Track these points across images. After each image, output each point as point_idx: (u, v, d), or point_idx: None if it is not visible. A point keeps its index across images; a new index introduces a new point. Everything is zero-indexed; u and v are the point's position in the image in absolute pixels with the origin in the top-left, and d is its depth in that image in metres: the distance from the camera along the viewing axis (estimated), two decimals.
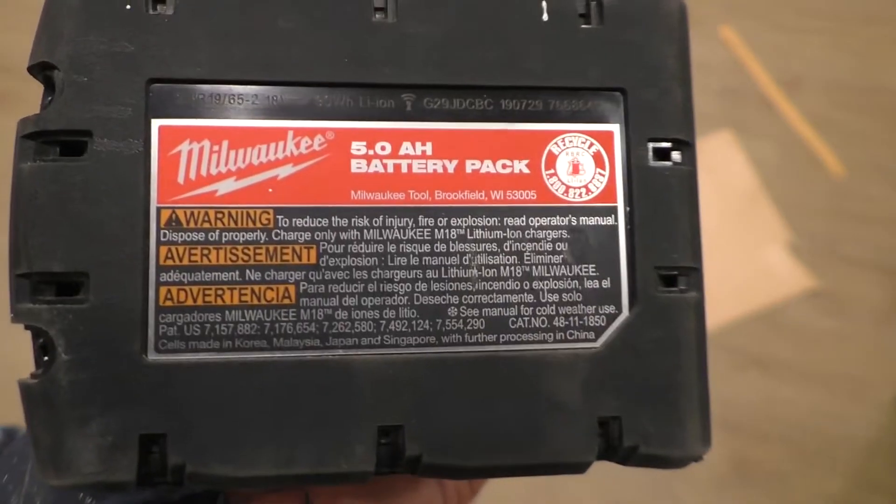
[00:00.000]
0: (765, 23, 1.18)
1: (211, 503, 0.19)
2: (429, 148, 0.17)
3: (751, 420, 0.96)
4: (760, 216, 1.07)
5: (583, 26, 0.17)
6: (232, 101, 0.16)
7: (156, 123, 0.16)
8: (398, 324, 0.16)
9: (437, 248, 0.17)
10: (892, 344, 1.00)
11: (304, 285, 0.16)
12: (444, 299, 0.17)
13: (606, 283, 0.17)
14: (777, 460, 0.94)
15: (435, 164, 0.17)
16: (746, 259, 1.04)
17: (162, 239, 0.16)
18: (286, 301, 0.16)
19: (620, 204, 0.17)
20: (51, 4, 0.16)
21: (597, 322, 0.17)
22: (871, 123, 1.11)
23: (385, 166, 0.17)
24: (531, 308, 0.17)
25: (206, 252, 0.16)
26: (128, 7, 0.16)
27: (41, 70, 0.16)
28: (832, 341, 0.99)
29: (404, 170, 0.17)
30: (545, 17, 0.17)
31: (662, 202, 0.17)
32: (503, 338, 0.17)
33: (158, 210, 0.16)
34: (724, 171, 1.09)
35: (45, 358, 0.15)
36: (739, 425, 0.95)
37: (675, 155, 0.18)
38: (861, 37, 1.17)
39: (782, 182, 1.08)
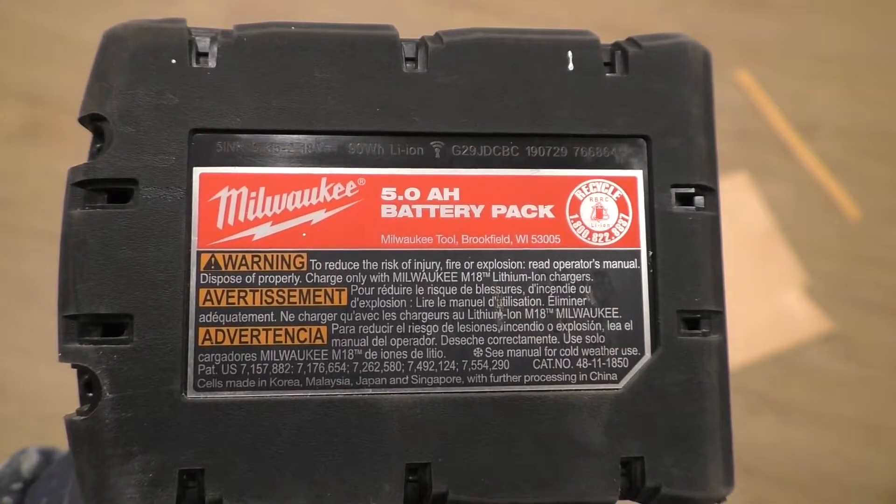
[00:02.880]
0: (780, 68, 1.19)
1: None
2: (456, 194, 0.17)
3: (766, 463, 0.95)
4: (776, 258, 1.07)
5: (608, 75, 0.18)
6: (269, 149, 0.17)
7: (197, 171, 0.17)
8: (425, 364, 0.17)
9: (463, 290, 0.17)
10: None
11: (335, 326, 0.17)
12: (469, 340, 0.17)
13: (629, 326, 0.18)
14: None
15: (462, 209, 0.17)
16: (762, 301, 1.03)
17: (202, 282, 0.16)
18: (318, 342, 0.17)
19: (643, 248, 0.18)
20: (101, 59, 0.17)
21: (619, 364, 0.18)
22: (886, 169, 1.12)
23: (414, 211, 0.17)
24: (555, 349, 0.17)
25: (242, 294, 0.17)
26: (173, 61, 0.17)
27: (91, 121, 0.17)
28: (848, 386, 0.99)
29: (432, 215, 0.17)
30: (571, 66, 0.18)
31: (685, 246, 0.18)
32: (527, 378, 0.17)
33: (199, 254, 0.16)
34: (739, 213, 1.09)
35: (90, 395, 0.16)
36: (755, 468, 0.94)
37: (699, 200, 0.18)
38: (875, 84, 1.18)
39: (798, 225, 1.08)
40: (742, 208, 1.10)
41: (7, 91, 1.17)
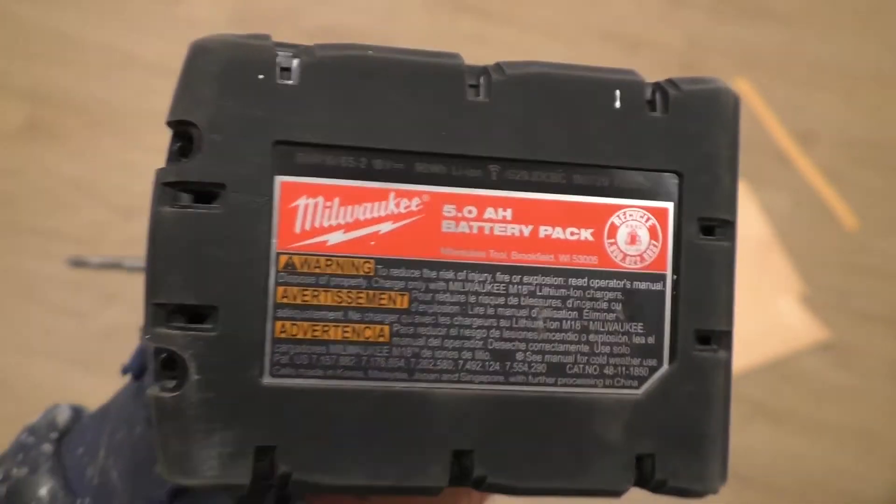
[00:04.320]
0: (779, 77, 1.19)
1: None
2: (509, 214, 0.19)
3: (760, 471, 0.95)
4: (773, 266, 1.07)
5: (649, 114, 0.20)
6: (344, 163, 0.19)
7: (278, 180, 0.19)
8: (473, 364, 0.19)
9: (510, 301, 0.19)
10: None
11: (396, 327, 0.19)
12: (513, 345, 0.19)
13: (651, 340, 0.20)
14: None
15: (513, 228, 0.19)
16: (758, 309, 1.03)
17: (279, 280, 0.18)
18: (381, 339, 0.19)
19: (669, 272, 0.20)
20: (190, 69, 0.19)
21: (640, 373, 0.20)
22: (884, 179, 1.12)
23: (471, 228, 0.19)
24: (586, 357, 0.20)
25: (315, 293, 0.19)
26: (260, 77, 0.19)
27: (178, 125, 0.19)
28: (844, 395, 0.99)
29: (487, 231, 0.19)
30: (618, 104, 0.20)
31: (705, 273, 0.20)
32: (560, 381, 0.19)
33: (278, 255, 0.19)
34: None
35: (171, 374, 0.18)
36: (749, 476, 0.94)
37: (720, 232, 0.20)
38: (874, 94, 1.18)
39: (795, 233, 1.08)
40: (739, 214, 1.11)
41: (10, 89, 1.14)
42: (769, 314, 1.04)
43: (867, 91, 1.19)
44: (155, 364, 0.19)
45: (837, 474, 0.94)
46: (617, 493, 0.20)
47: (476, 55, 0.21)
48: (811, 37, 1.23)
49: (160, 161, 0.19)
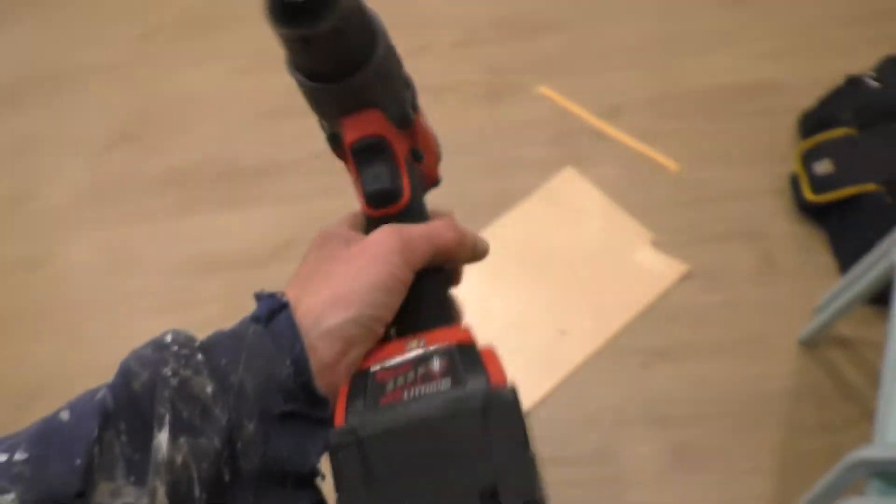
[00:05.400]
0: (572, 73, 1.33)
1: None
2: None
3: (676, 408, 0.98)
4: (620, 228, 1.16)
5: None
6: None
7: None
8: None
9: None
10: (774, 295, 1.05)
11: None
12: None
13: None
14: (713, 436, 0.96)
15: None
16: (621, 268, 1.11)
17: None
18: None
19: None
20: None
21: None
22: (685, 122, 1.25)
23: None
24: None
25: None
26: None
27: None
28: (721, 313, 1.04)
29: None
30: None
31: None
32: None
33: None
34: (575, 201, 1.19)
35: None
36: (667, 417, 0.97)
37: None
38: (656, 58, 1.32)
39: (629, 193, 1.18)
40: (576, 196, 1.19)
41: None
42: (631, 269, 1.12)
43: (645, 57, 1.33)
44: None
45: (745, 383, 0.99)
46: None
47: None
48: (585, 33, 1.39)
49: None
